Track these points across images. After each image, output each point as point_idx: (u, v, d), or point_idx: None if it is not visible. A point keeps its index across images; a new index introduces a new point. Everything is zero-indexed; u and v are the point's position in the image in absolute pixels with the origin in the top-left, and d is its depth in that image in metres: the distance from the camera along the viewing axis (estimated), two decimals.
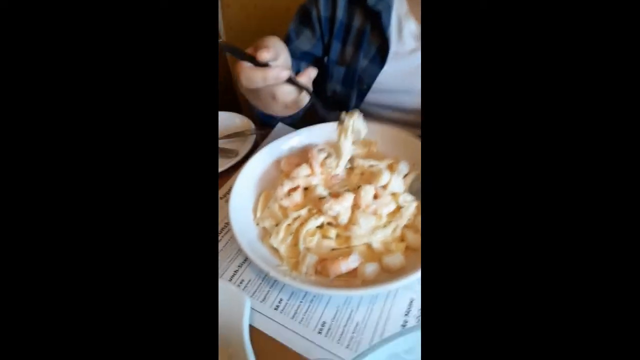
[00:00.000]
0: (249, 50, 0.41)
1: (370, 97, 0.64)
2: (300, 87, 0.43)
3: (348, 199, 0.46)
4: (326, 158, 0.53)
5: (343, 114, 0.48)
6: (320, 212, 0.46)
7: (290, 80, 0.41)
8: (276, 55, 0.41)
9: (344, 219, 0.45)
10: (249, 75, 0.39)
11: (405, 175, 0.50)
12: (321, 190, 0.48)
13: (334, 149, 0.53)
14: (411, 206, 0.45)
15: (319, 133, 0.57)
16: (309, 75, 0.44)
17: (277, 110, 0.46)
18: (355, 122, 0.48)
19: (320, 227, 0.46)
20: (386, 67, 0.60)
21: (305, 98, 0.45)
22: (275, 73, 0.39)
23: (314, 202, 0.47)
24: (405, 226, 0.44)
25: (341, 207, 0.45)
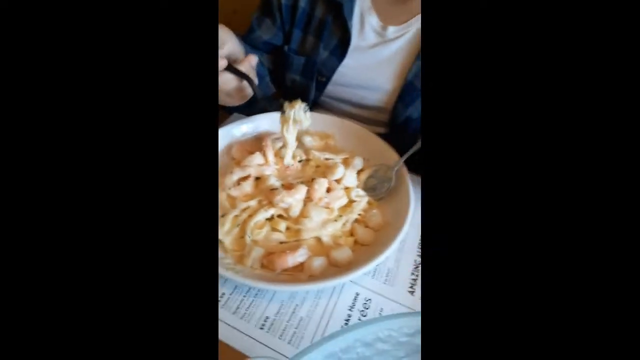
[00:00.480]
0: None
1: (330, 90, 0.63)
2: (241, 76, 0.42)
3: (301, 191, 0.44)
4: (282, 148, 0.51)
5: (285, 104, 0.47)
6: (270, 204, 0.44)
7: (231, 69, 0.41)
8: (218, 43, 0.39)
9: (295, 211, 0.43)
10: None
11: (360, 171, 0.50)
12: (274, 181, 0.46)
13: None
14: (362, 201, 0.45)
15: (276, 121, 0.55)
16: (249, 62, 0.43)
17: (223, 99, 0.45)
18: (296, 112, 0.46)
19: (270, 219, 0.44)
20: (347, 60, 0.60)
21: (249, 88, 0.43)
22: None
23: (265, 193, 0.45)
24: (356, 221, 0.44)
25: (293, 200, 0.43)
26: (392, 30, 0.57)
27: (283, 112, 0.47)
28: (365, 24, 0.59)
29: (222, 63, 0.39)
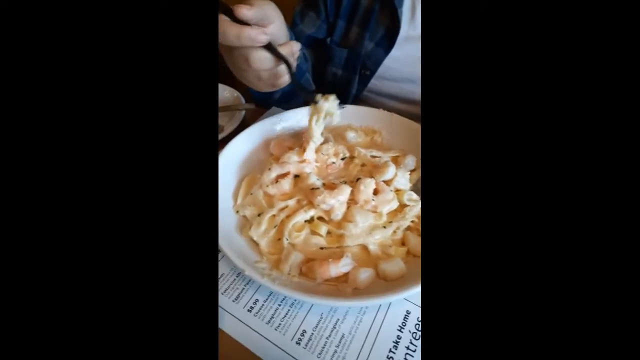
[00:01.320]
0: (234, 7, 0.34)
1: (375, 84, 0.58)
2: (280, 58, 0.37)
3: (345, 192, 0.39)
4: (323, 144, 0.47)
5: (319, 96, 0.42)
6: (311, 204, 0.40)
7: (269, 48, 0.36)
8: (262, 17, 0.35)
9: (338, 214, 0.39)
10: (223, 30, 0.33)
11: (412, 171, 0.44)
12: (314, 180, 0.42)
13: (334, 135, 0.47)
14: (416, 206, 0.40)
15: None
16: (291, 47, 0.39)
17: (252, 81, 0.41)
18: (330, 105, 0.42)
19: (310, 221, 0.40)
20: (394, 52, 0.54)
21: (285, 76, 0.39)
22: (251, 33, 0.34)
23: (305, 193, 0.41)
24: (408, 228, 0.39)
25: (336, 201, 0.39)
26: None
27: (315, 103, 0.42)
28: (416, 11, 0.53)
29: (263, 38, 0.35)
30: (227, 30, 0.34)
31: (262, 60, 0.37)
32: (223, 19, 0.34)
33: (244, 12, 0.33)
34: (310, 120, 0.44)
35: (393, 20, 0.53)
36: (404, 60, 0.55)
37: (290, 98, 0.59)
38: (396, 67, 0.56)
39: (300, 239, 0.38)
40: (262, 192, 0.42)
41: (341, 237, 0.38)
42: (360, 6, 0.56)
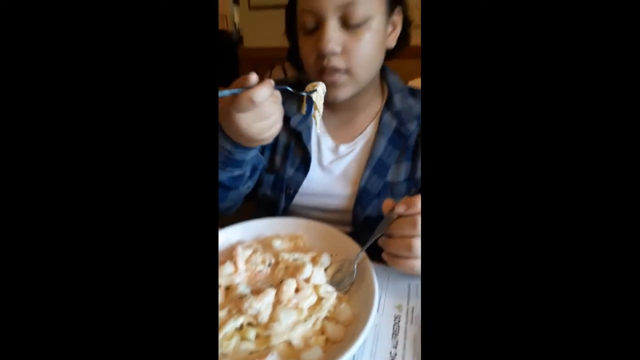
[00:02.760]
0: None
1: (298, 199, 0.71)
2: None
3: (269, 294, 0.45)
4: (252, 254, 0.54)
5: (308, 86, 0.55)
6: (240, 311, 0.44)
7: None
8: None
9: (264, 317, 0.43)
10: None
11: (327, 268, 0.52)
12: (243, 289, 0.47)
13: (263, 245, 0.54)
14: (332, 297, 0.46)
15: (244, 230, 0.59)
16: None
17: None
18: (321, 87, 0.55)
19: (240, 328, 0.43)
20: (310, 174, 0.69)
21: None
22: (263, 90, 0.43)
23: (235, 302, 0.46)
24: (326, 318, 0.44)
25: (262, 304, 0.44)
26: (343, 147, 0.69)
27: (306, 94, 0.53)
28: (321, 145, 0.71)
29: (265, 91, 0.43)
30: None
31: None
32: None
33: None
34: (314, 109, 0.55)
35: (305, 153, 0.69)
36: (317, 181, 0.69)
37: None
38: (312, 186, 0.69)
39: (230, 347, 0.41)
40: None
41: (268, 338, 0.41)
42: (280, 142, 0.72)
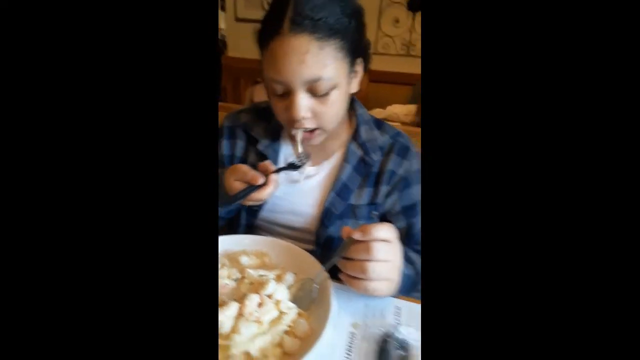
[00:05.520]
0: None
1: (264, 215, 0.75)
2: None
3: (233, 308, 0.48)
4: (220, 268, 0.57)
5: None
6: None
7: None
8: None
9: (226, 328, 0.46)
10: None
11: (291, 286, 0.56)
12: None
13: (230, 260, 0.57)
14: (292, 312, 0.50)
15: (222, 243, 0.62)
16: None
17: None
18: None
19: None
20: (276, 192, 0.73)
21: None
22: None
23: None
24: (285, 332, 0.48)
25: (224, 317, 0.47)
26: (310, 170, 0.74)
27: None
28: (288, 161, 0.75)
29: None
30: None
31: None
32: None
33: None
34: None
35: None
36: (283, 198, 0.74)
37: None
38: (278, 203, 0.74)
39: None
40: None
41: (227, 348, 0.45)
42: (248, 163, 0.75)
